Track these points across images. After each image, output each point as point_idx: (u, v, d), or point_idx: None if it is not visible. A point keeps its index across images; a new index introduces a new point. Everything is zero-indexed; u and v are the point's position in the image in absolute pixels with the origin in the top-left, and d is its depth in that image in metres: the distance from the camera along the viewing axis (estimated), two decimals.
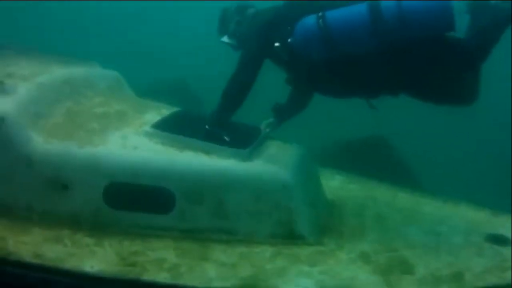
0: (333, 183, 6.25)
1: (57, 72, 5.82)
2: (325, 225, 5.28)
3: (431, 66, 4.77)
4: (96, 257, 4.56)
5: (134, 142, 5.14)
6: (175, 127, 5.35)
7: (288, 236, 4.95)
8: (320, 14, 4.79)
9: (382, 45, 4.68)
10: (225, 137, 5.19)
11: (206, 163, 4.98)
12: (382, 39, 4.64)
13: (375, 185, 6.33)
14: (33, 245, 4.62)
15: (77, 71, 6.15)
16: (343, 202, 5.83)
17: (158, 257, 4.63)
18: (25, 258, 4.47)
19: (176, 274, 4.44)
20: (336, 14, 4.76)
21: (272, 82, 5.46)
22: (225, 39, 5.68)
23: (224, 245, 4.84)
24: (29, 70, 5.66)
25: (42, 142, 4.95)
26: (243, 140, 5.29)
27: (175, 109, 6.14)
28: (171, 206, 4.91)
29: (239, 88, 5.26)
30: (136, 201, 4.93)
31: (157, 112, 5.86)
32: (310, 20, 4.84)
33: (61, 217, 4.92)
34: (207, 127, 5.33)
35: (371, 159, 10.18)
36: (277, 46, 5.07)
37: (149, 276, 4.39)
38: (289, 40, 4.98)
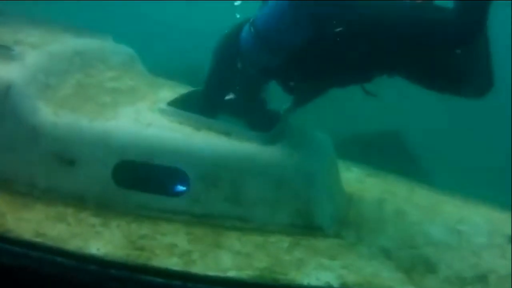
0: (350, 175, 5.77)
1: (68, 42, 5.37)
2: (343, 217, 4.83)
3: (405, 38, 4.16)
4: (102, 239, 4.10)
5: (148, 118, 4.64)
6: (192, 106, 4.85)
7: (306, 226, 4.50)
8: (251, 20, 4.37)
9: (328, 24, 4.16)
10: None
11: (224, 145, 4.49)
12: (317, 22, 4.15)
13: (392, 179, 5.87)
14: (35, 223, 4.16)
15: (90, 42, 5.68)
16: (361, 195, 5.36)
17: (169, 242, 4.17)
18: (25, 236, 4.01)
19: (188, 260, 3.98)
20: (263, 15, 4.33)
21: None
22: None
23: (239, 233, 4.37)
24: (39, 38, 5.21)
25: (50, 114, 4.50)
26: (264, 123, 4.79)
27: (190, 88, 5.59)
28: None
29: None
30: (147, 181, 4.47)
31: (172, 90, 5.34)
32: (245, 32, 4.43)
33: (66, 194, 4.45)
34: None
35: (386, 153, 9.78)
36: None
37: (159, 262, 3.92)
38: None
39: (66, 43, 5.31)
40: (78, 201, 4.42)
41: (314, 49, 4.30)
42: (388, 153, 9.95)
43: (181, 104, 4.86)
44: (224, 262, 3.99)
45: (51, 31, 5.55)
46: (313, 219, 4.51)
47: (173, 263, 3.91)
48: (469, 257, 4.43)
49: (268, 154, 4.51)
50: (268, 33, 4.28)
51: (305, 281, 3.88)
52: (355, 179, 5.74)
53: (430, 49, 4.18)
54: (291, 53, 4.35)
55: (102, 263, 3.88)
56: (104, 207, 4.40)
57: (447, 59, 4.27)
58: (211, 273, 3.87)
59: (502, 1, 3.99)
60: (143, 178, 4.46)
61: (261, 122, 4.77)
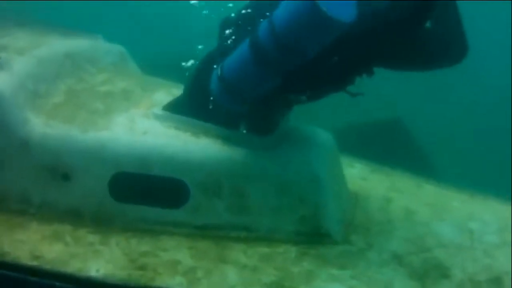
0: (354, 172, 5.55)
1: (57, 45, 5.10)
2: (350, 220, 4.63)
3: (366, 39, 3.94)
4: (101, 258, 3.91)
5: (143, 126, 4.43)
6: (189, 110, 4.59)
7: (313, 233, 4.30)
8: (219, 72, 4.08)
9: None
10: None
11: (224, 151, 4.28)
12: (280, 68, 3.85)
13: (397, 175, 5.63)
14: (31, 244, 3.97)
15: (79, 44, 5.42)
16: (367, 193, 5.14)
17: (171, 258, 3.98)
18: (22, 260, 3.82)
19: (192, 279, 3.79)
20: (228, 64, 4.04)
21: None
22: None
23: (244, 244, 4.18)
24: (25, 42, 4.95)
25: (41, 125, 4.28)
26: (264, 127, 4.54)
27: None
28: (184, 199, 4.24)
29: None
30: (146, 193, 4.26)
31: (166, 92, 5.08)
32: (214, 81, 4.14)
33: (62, 210, 4.26)
34: None
35: (387, 144, 9.56)
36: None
37: (162, 281, 3.74)
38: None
39: (55, 47, 5.05)
40: (75, 216, 4.24)
41: (287, 87, 4.12)
42: (390, 144, 9.73)
43: (176, 108, 4.64)
44: (230, 279, 3.82)
45: (39, 33, 5.31)
46: (320, 225, 4.31)
47: (178, 283, 3.74)
48: (482, 258, 4.27)
49: (270, 159, 4.32)
50: (236, 84, 4.02)
51: None
52: (358, 176, 5.51)
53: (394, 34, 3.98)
54: (262, 97, 4.16)
55: (103, 286, 3.70)
56: (101, 223, 4.22)
57: (419, 37, 4.13)
58: None
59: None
60: (141, 190, 4.27)
61: (260, 125, 4.55)
